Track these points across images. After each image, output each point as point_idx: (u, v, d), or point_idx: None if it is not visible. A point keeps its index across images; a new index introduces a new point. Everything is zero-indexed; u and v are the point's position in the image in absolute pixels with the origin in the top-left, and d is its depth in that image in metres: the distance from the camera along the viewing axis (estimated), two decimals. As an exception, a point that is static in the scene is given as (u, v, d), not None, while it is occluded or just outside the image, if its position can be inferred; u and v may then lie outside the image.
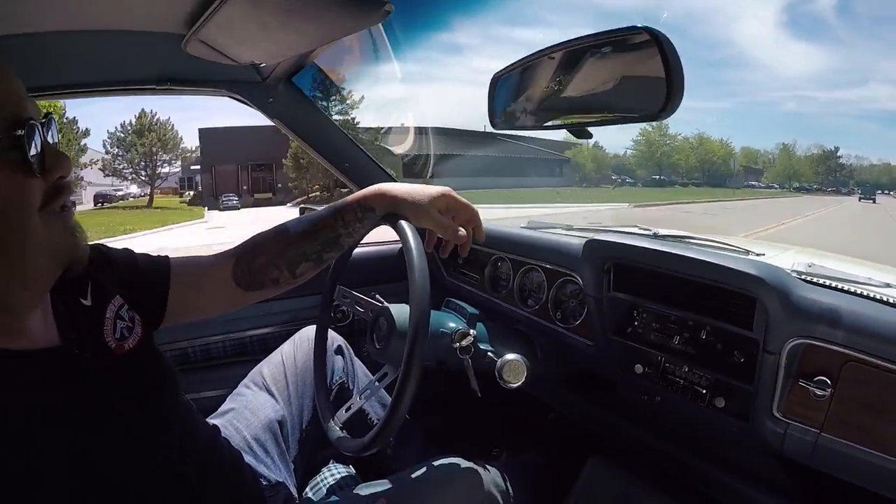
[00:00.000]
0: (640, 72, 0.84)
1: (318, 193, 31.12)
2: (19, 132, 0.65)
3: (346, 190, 1.68)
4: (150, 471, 0.81)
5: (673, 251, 1.05)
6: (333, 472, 1.35)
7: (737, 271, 0.95)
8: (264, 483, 1.16)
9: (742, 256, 1.13)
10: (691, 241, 1.23)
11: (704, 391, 1.03)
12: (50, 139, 0.71)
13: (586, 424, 1.39)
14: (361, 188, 1.68)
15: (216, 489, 0.94)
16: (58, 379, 0.74)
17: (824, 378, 0.85)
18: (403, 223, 1.04)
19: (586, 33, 0.89)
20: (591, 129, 0.96)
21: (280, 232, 1.10)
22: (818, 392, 0.85)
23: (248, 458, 1.16)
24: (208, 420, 1.17)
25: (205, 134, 37.78)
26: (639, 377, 1.14)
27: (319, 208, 1.21)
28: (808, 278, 1.00)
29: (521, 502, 1.27)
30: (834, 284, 0.96)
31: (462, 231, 1.07)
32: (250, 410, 1.30)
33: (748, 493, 1.06)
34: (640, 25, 0.79)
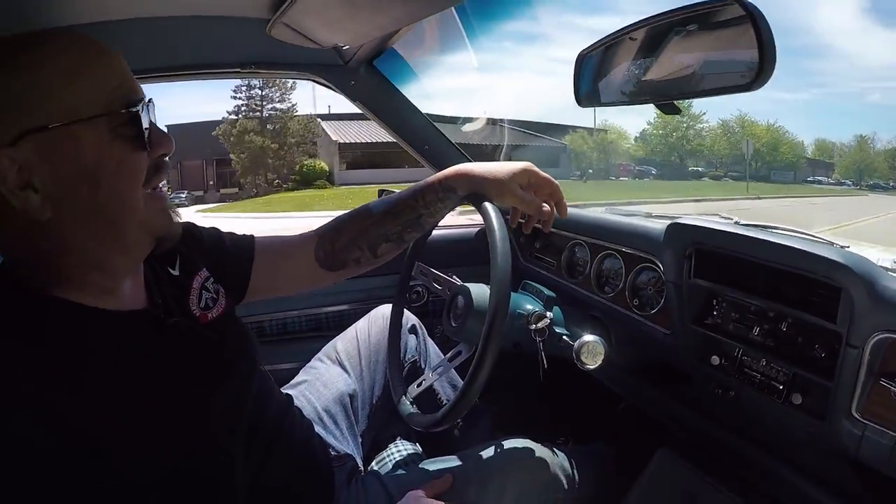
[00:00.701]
0: (731, 43, 0.82)
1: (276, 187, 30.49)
2: (133, 109, 0.71)
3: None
4: (224, 432, 0.85)
5: (758, 236, 1.02)
6: (400, 448, 1.38)
7: (823, 258, 0.91)
8: (332, 454, 1.19)
9: (827, 246, 1.09)
10: (775, 229, 1.18)
11: (781, 386, 0.99)
12: (153, 119, 0.76)
13: (657, 416, 1.36)
14: (441, 169, 1.72)
15: (285, 455, 0.99)
16: (143, 339, 0.79)
17: None
18: (486, 204, 1.05)
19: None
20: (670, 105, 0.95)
21: (362, 212, 1.13)
22: None
23: (317, 429, 1.21)
24: (282, 390, 1.22)
25: (172, 129, 37.35)
26: (714, 369, 1.11)
27: (399, 190, 1.24)
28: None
29: (586, 489, 1.27)
30: None
31: (545, 206, 1.08)
32: (322, 383, 1.35)
33: (818, 497, 1.02)
34: None
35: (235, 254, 1.09)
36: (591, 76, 1.11)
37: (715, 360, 1.11)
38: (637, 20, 0.95)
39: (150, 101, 0.75)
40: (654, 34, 0.93)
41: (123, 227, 0.74)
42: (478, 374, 0.99)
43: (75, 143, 0.67)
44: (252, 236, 1.13)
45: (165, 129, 0.79)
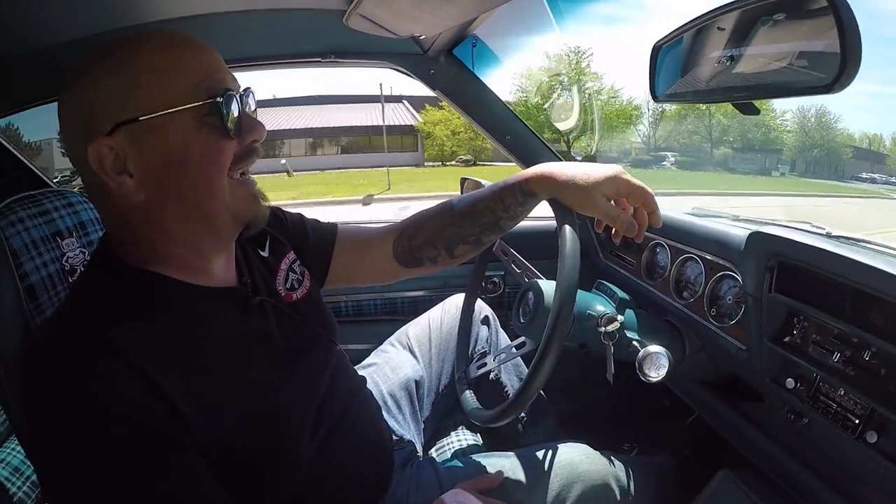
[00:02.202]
0: (812, 38, 0.74)
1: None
2: (218, 99, 0.75)
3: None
4: (297, 405, 0.90)
5: (847, 255, 0.93)
6: (461, 438, 1.39)
7: None
8: (393, 437, 1.22)
9: None
10: (869, 245, 1.06)
11: (857, 420, 0.91)
12: (248, 107, 0.82)
13: (724, 434, 1.28)
14: (522, 161, 1.70)
15: (351, 433, 1.02)
16: (231, 314, 0.86)
17: None
18: (567, 229, 1.00)
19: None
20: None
21: (443, 210, 1.13)
22: None
23: (381, 412, 1.24)
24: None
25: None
26: (789, 393, 1.03)
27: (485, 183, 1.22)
28: None
29: (640, 503, 1.22)
30: None
31: (632, 221, 0.99)
32: (391, 367, 1.39)
33: None
34: None
35: (318, 241, 1.14)
36: (668, 70, 1.05)
37: (790, 382, 1.03)
38: (710, 10, 0.88)
39: (245, 90, 0.81)
40: (732, 26, 0.87)
41: (210, 210, 0.79)
42: (536, 376, 0.97)
43: (163, 132, 0.73)
44: (335, 225, 1.18)
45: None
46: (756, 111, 0.88)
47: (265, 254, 1.01)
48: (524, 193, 1.04)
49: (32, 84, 1.48)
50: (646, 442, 1.66)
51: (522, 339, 1.25)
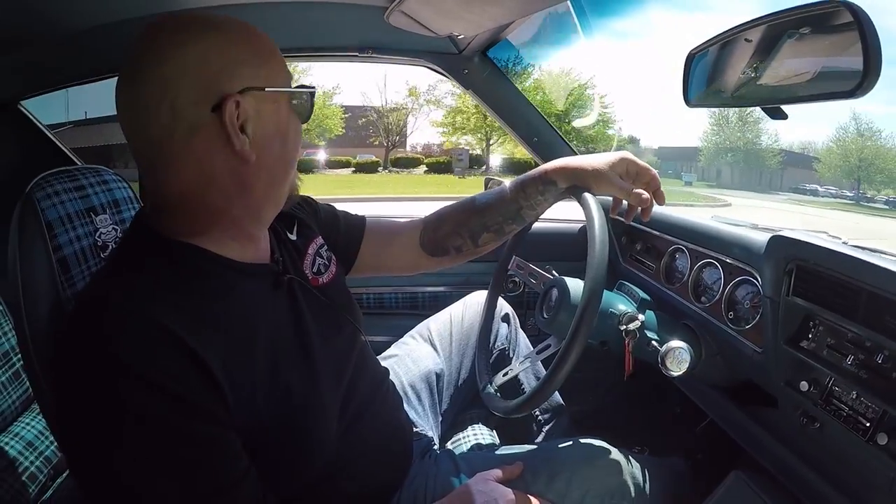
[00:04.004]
0: (836, 47, 0.79)
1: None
2: (311, 90, 0.87)
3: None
4: (328, 384, 0.93)
5: (862, 257, 0.96)
6: (477, 432, 1.41)
7: None
8: (411, 431, 1.24)
9: None
10: (886, 254, 1.10)
11: (868, 423, 0.93)
12: None
13: (737, 438, 1.31)
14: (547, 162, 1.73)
15: (374, 420, 1.05)
16: (266, 290, 0.90)
17: None
18: (587, 195, 1.07)
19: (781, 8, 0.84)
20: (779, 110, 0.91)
21: (467, 202, 1.20)
22: None
23: None
24: None
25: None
26: (802, 396, 1.06)
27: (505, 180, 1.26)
28: None
29: (653, 501, 1.24)
30: None
31: (645, 193, 1.06)
32: (412, 359, 1.41)
33: None
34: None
35: (347, 231, 1.20)
36: (702, 77, 1.09)
37: (804, 385, 1.06)
38: (744, 21, 0.93)
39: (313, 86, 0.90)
40: (762, 36, 0.91)
41: (286, 181, 0.88)
42: (561, 366, 1.00)
43: (276, 106, 0.82)
44: (364, 217, 1.24)
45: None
46: (784, 116, 0.92)
47: (294, 237, 1.05)
48: (544, 183, 1.12)
49: (66, 64, 1.54)
50: (658, 445, 1.68)
51: (548, 342, 1.27)
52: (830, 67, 0.81)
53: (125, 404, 0.66)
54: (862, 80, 0.74)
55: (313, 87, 0.88)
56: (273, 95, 0.81)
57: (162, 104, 0.75)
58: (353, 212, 1.26)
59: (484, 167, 30.89)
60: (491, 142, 32.21)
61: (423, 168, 28.35)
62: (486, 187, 2.11)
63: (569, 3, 1.47)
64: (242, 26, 0.81)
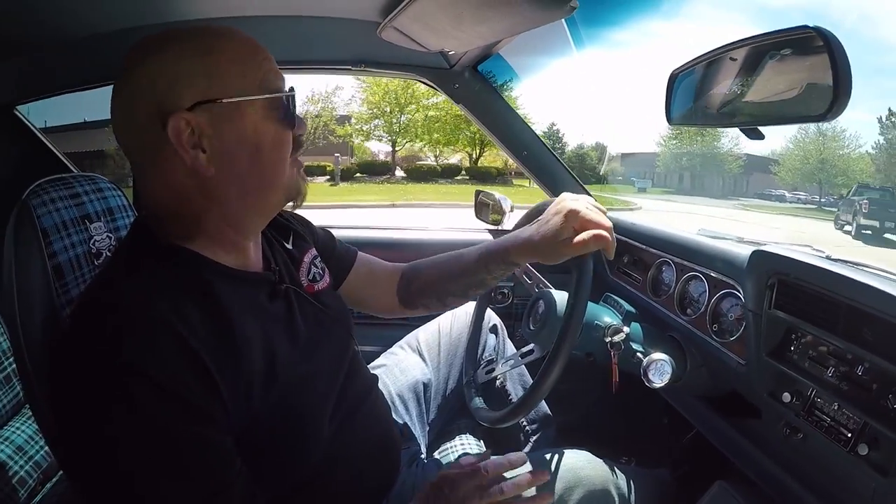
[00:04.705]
0: (808, 71, 0.81)
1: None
2: (287, 94, 0.85)
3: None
4: (321, 388, 0.95)
5: (841, 272, 0.98)
6: (465, 442, 1.43)
7: None
8: (399, 440, 1.25)
9: None
10: (868, 268, 1.12)
11: (850, 434, 0.95)
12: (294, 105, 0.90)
13: (722, 449, 1.33)
14: (537, 176, 1.76)
15: (364, 426, 1.06)
16: (260, 298, 0.91)
17: None
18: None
19: (756, 33, 0.87)
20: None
21: (440, 263, 1.24)
22: None
23: None
24: None
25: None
26: (785, 407, 1.08)
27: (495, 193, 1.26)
28: None
29: None
30: None
31: (602, 242, 1.03)
32: (400, 369, 1.43)
33: None
34: (810, 25, 0.77)
35: (340, 257, 1.23)
36: (683, 96, 1.11)
37: (786, 396, 1.08)
38: (724, 44, 0.96)
39: (292, 89, 0.88)
40: (741, 59, 0.93)
41: (270, 190, 0.87)
42: (546, 378, 1.03)
43: (238, 116, 0.80)
44: (356, 251, 1.27)
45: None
46: (761, 136, 0.94)
47: (289, 246, 1.07)
48: (506, 263, 1.14)
49: (63, 71, 1.56)
50: (644, 456, 1.69)
51: (530, 346, 1.30)
52: (803, 91, 0.84)
53: (129, 402, 0.68)
54: (832, 104, 0.76)
55: (292, 91, 0.86)
56: (233, 105, 0.79)
57: (130, 121, 0.79)
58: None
59: (387, 175, 31.02)
60: (397, 148, 32.31)
61: (327, 177, 28.44)
62: (475, 200, 2.14)
63: (564, 24, 1.49)
64: (209, 33, 0.82)
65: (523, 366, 1.52)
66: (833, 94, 0.76)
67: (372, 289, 1.25)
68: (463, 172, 32.26)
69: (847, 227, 18.19)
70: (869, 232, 16.88)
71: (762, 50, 0.90)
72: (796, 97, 0.85)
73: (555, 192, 1.93)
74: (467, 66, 1.73)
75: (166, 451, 0.70)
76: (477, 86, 1.80)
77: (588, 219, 1.03)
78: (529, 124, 1.93)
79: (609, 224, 1.04)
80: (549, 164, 1.92)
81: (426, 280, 1.24)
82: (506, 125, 1.88)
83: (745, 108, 0.96)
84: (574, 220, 1.04)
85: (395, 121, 31.09)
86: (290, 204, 0.94)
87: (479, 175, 31.33)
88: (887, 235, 16.69)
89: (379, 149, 35.67)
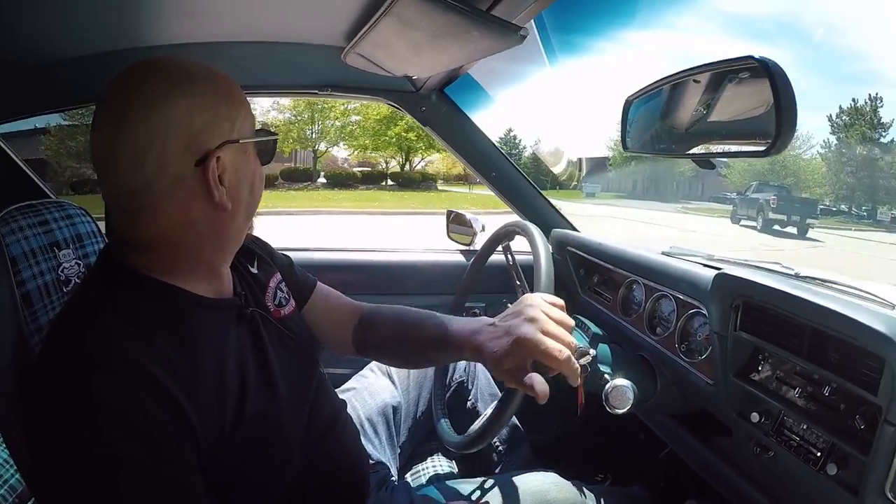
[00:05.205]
0: (754, 103, 0.81)
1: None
2: (273, 137, 0.93)
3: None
4: (290, 413, 0.95)
5: (803, 296, 0.98)
6: (436, 464, 1.42)
7: (865, 326, 0.85)
8: (369, 465, 1.24)
9: (882, 310, 1.02)
10: (835, 285, 1.12)
11: (819, 453, 0.94)
12: None
13: (694, 466, 1.33)
14: (506, 197, 1.76)
15: (333, 450, 1.06)
16: (230, 324, 0.91)
17: None
18: (535, 233, 1.12)
19: (705, 62, 0.87)
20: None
21: (397, 327, 1.17)
22: None
23: None
24: None
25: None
26: (754, 427, 1.08)
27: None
28: None
29: None
30: None
31: (537, 389, 0.91)
32: (369, 392, 1.42)
33: None
34: (755, 56, 0.77)
35: (299, 283, 1.21)
36: (638, 124, 1.11)
37: (755, 416, 1.07)
38: (676, 72, 0.96)
39: (276, 133, 0.95)
40: (692, 89, 0.94)
41: (247, 222, 0.92)
42: (508, 403, 1.04)
43: (247, 155, 0.87)
44: (316, 280, 1.25)
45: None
46: (713, 166, 0.95)
47: (255, 271, 1.07)
48: (457, 356, 1.10)
49: (37, 93, 1.54)
50: (620, 473, 1.69)
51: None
52: (749, 124, 0.84)
53: (99, 442, 0.67)
54: (775, 139, 0.76)
55: (276, 134, 0.93)
56: (244, 145, 0.85)
57: (148, 154, 0.77)
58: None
59: (307, 182, 31.11)
60: (319, 156, 32.42)
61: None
62: (447, 220, 2.14)
63: (536, 32, 1.49)
64: (222, 80, 0.86)
65: (494, 385, 1.52)
66: (776, 130, 0.75)
67: (326, 323, 1.21)
68: (388, 179, 32.40)
69: (745, 222, 20.48)
70: (777, 226, 19.00)
71: (711, 80, 0.90)
72: (743, 129, 0.85)
73: (525, 213, 1.96)
74: (433, 88, 1.73)
75: (136, 490, 0.69)
76: (444, 108, 1.80)
77: (542, 350, 0.91)
78: (498, 145, 1.94)
79: (569, 345, 0.94)
80: (518, 185, 1.93)
81: (382, 339, 1.19)
82: (474, 147, 1.88)
83: (694, 140, 0.97)
84: (523, 351, 0.92)
85: (308, 128, 31.28)
86: None
87: (404, 181, 31.47)
88: (789, 229, 18.81)
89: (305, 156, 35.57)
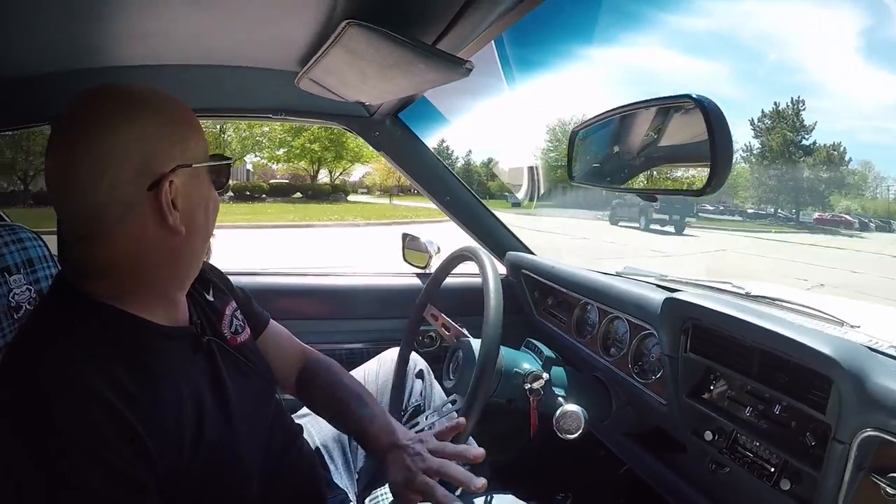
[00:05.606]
0: (694, 137, 0.83)
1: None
2: (227, 162, 0.92)
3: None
4: (249, 440, 0.94)
5: (750, 320, 1.00)
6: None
7: (810, 349, 0.87)
8: (327, 490, 1.23)
9: (830, 329, 1.06)
10: (785, 304, 1.15)
11: (773, 469, 0.97)
12: None
13: (652, 483, 1.34)
14: (460, 220, 1.76)
15: (290, 476, 1.05)
16: (186, 352, 0.90)
17: None
18: (483, 256, 1.14)
19: (643, 98, 0.89)
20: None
21: (330, 396, 1.21)
22: (890, 490, 0.76)
23: None
24: None
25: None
26: (708, 444, 1.10)
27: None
28: None
29: None
30: None
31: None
32: None
33: None
34: (693, 95, 0.79)
35: (253, 317, 1.19)
36: (583, 155, 1.13)
37: (708, 435, 1.09)
38: (617, 107, 0.98)
39: (229, 158, 0.95)
40: (634, 123, 0.95)
41: (203, 249, 0.92)
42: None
43: (199, 180, 0.86)
44: (269, 317, 1.25)
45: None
46: (655, 200, 0.97)
47: (211, 298, 1.06)
48: (369, 452, 1.17)
49: None
50: (580, 492, 1.70)
51: (452, 397, 1.29)
52: (689, 157, 0.86)
53: (55, 468, 0.67)
54: (710, 178, 0.78)
55: (230, 159, 0.93)
56: (197, 170, 0.85)
57: (101, 181, 0.77)
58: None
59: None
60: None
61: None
62: (403, 243, 2.13)
63: (496, 54, 1.50)
64: (174, 103, 0.85)
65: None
66: (710, 169, 0.77)
67: (277, 361, 1.20)
68: (298, 192, 32.00)
69: (622, 223, 21.52)
70: (658, 225, 20.35)
71: (654, 114, 0.92)
72: (684, 162, 0.87)
73: (479, 236, 1.97)
74: (387, 114, 1.73)
75: None
76: (398, 133, 1.80)
77: (423, 485, 1.00)
78: (452, 169, 1.94)
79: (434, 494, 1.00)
80: (472, 208, 1.94)
81: (314, 399, 1.24)
82: (428, 172, 1.88)
83: (637, 172, 0.98)
84: (409, 479, 1.01)
85: (218, 139, 30.55)
86: None
87: (314, 193, 31.25)
88: (668, 228, 20.33)
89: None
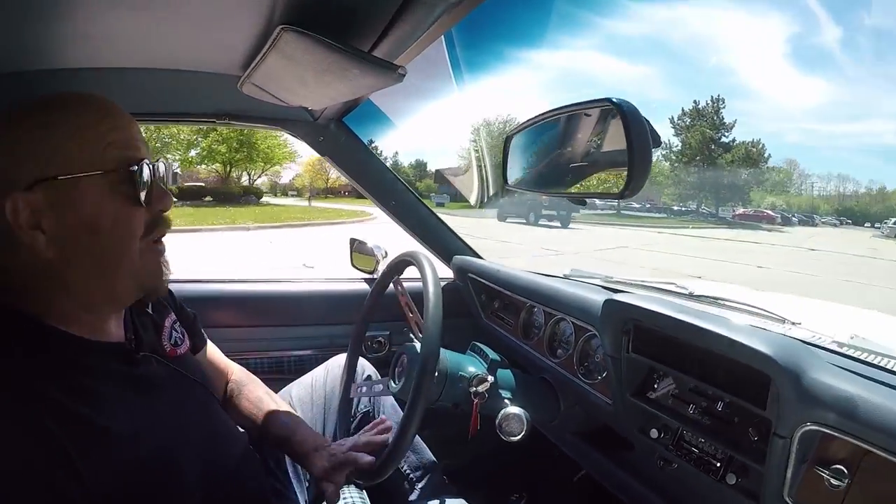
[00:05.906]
0: (613, 144, 0.83)
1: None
2: (133, 168, 0.80)
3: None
4: (186, 452, 0.90)
5: (689, 320, 1.01)
6: (345, 496, 1.37)
7: (747, 347, 0.89)
8: (275, 499, 1.21)
9: (769, 327, 1.08)
10: (726, 303, 1.17)
11: (718, 464, 0.98)
12: (159, 177, 0.85)
13: (602, 480, 1.36)
14: (407, 225, 1.75)
15: (233, 487, 1.01)
16: (121, 367, 0.86)
17: (841, 468, 0.78)
18: (423, 261, 1.14)
19: (569, 102, 0.90)
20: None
21: (256, 408, 1.25)
22: (833, 482, 0.78)
23: None
24: None
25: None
26: (654, 442, 1.11)
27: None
28: (848, 352, 0.94)
29: None
30: (873, 360, 0.90)
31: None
32: None
33: None
34: (613, 99, 0.79)
35: (196, 335, 1.20)
36: (515, 160, 1.13)
37: (654, 433, 1.11)
38: (543, 112, 0.98)
39: (158, 159, 0.85)
40: (562, 128, 0.96)
41: (115, 274, 0.82)
42: (405, 434, 1.05)
43: (78, 193, 0.76)
44: (205, 339, 1.26)
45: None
46: (584, 203, 0.97)
47: (149, 311, 1.02)
48: (295, 459, 1.22)
49: None
50: (535, 492, 1.70)
51: (386, 379, 1.31)
52: (613, 160, 0.86)
53: None
54: (628, 181, 0.78)
55: (141, 162, 0.80)
56: (75, 183, 0.76)
57: None
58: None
59: None
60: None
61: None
62: (350, 248, 2.11)
63: (447, 55, 1.48)
64: (52, 107, 0.78)
65: (401, 412, 1.50)
66: (628, 172, 0.77)
67: (210, 377, 1.20)
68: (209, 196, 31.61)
69: (510, 220, 23.42)
70: (546, 220, 22.36)
71: (581, 120, 0.92)
72: (608, 165, 0.87)
73: (425, 241, 1.96)
74: (332, 118, 1.70)
75: None
76: (342, 138, 1.76)
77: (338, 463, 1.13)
78: (397, 174, 1.92)
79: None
80: (418, 213, 1.93)
81: (241, 410, 1.25)
82: (373, 177, 1.86)
83: (566, 175, 0.98)
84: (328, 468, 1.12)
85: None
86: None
87: (225, 196, 30.86)
88: (554, 223, 22.11)
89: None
